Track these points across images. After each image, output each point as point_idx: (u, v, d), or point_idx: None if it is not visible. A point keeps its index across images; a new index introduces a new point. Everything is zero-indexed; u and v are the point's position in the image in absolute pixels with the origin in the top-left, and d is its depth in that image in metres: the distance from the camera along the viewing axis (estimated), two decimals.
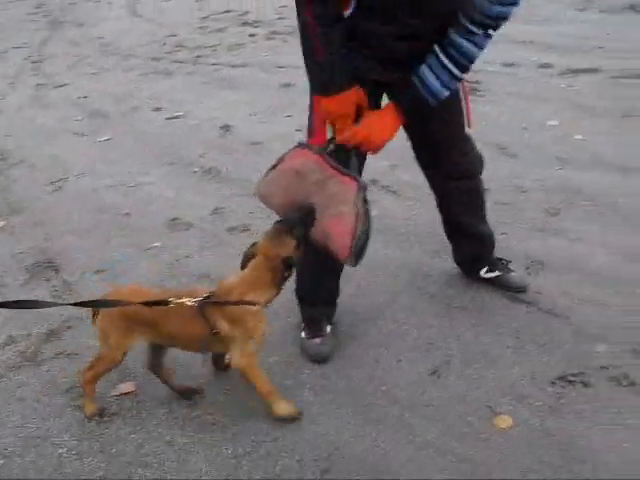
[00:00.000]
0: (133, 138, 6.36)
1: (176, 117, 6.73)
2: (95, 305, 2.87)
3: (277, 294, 2.88)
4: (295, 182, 2.88)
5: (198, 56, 9.03)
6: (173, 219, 4.84)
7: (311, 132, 3.02)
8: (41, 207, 5.16)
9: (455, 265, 3.84)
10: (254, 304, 2.79)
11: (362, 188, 2.77)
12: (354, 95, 2.76)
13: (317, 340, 3.37)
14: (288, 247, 2.79)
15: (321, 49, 2.68)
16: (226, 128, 6.42)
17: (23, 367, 3.47)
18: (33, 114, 6.82)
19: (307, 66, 2.78)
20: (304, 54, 2.76)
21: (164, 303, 2.72)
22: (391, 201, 4.82)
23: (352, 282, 3.80)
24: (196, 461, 2.84)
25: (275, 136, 6.01)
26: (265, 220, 4.55)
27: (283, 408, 2.96)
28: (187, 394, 3.15)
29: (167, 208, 4.99)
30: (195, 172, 5.63)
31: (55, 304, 3.05)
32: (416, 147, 3.31)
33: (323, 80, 2.76)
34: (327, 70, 2.72)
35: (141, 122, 6.74)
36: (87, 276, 4.23)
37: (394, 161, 5.07)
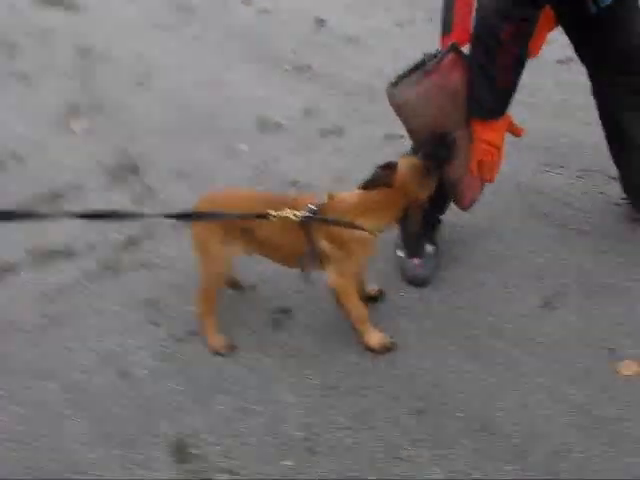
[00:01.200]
0: (221, 33, 5.92)
1: (266, 11, 6.23)
2: (187, 218, 2.59)
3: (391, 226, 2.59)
4: (450, 106, 2.50)
5: None
6: (261, 119, 4.47)
7: (447, 26, 2.53)
8: (125, 106, 4.87)
9: (622, 197, 3.24)
10: (364, 230, 2.48)
11: None
12: (507, 122, 2.54)
13: (416, 261, 3.00)
14: (429, 189, 2.48)
15: (509, 76, 2.39)
16: (320, 22, 5.88)
17: (101, 277, 3.24)
18: (118, 8, 6.45)
19: (477, 85, 2.41)
20: (480, 73, 2.39)
21: (263, 216, 2.41)
22: None
23: None
24: (279, 390, 2.57)
25: (372, 31, 5.47)
26: (360, 123, 4.14)
27: (375, 338, 2.65)
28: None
29: (256, 107, 4.62)
30: (286, 70, 5.20)
31: (147, 215, 2.89)
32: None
33: (493, 107, 2.46)
34: (503, 98, 2.45)
35: (230, 16, 6.26)
36: (170, 181, 3.91)
37: None
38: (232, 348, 2.75)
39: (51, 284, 3.18)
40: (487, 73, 2.38)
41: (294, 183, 3.74)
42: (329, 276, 2.58)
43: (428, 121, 2.51)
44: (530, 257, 3.05)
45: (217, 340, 2.75)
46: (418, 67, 2.52)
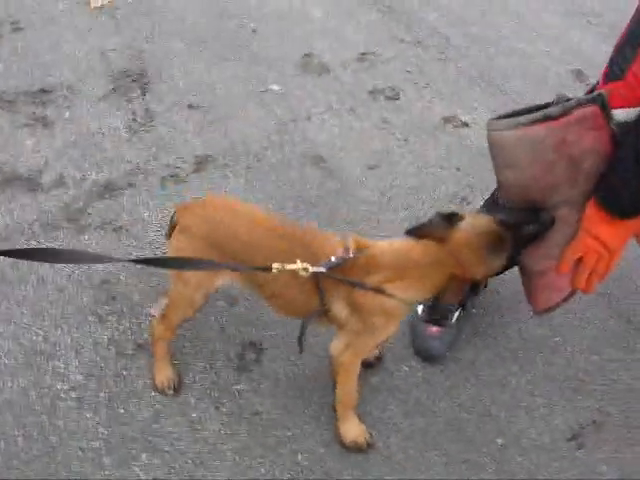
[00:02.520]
0: None
1: None
2: (163, 265, 1.96)
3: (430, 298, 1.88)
4: (564, 173, 1.75)
5: None
6: (306, 55, 3.67)
7: (618, 67, 1.76)
8: None
9: None
10: (396, 299, 1.81)
11: None
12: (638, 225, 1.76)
13: (433, 329, 2.35)
14: (491, 269, 1.80)
15: None
16: None
17: (62, 229, 2.65)
18: None
19: (623, 171, 1.66)
20: (635, 159, 1.62)
21: (266, 269, 1.74)
22: None
23: None
24: (214, 469, 2.02)
25: None
26: (420, 92, 3.37)
27: (353, 432, 2.08)
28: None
29: (304, 35, 3.81)
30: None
31: (103, 259, 2.12)
32: None
33: (633, 206, 1.70)
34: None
35: None
36: (176, 110, 3.23)
37: None
38: (177, 390, 2.19)
39: None
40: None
41: (318, 156, 3.04)
42: (336, 343, 1.96)
43: (525, 180, 1.79)
44: (576, 357, 2.40)
45: (164, 376, 2.18)
46: (539, 108, 1.77)
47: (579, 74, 3.69)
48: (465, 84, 3.60)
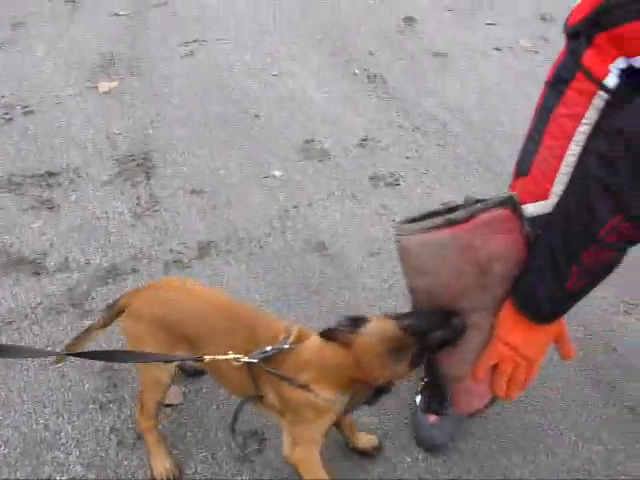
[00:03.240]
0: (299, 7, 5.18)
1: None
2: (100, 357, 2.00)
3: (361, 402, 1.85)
4: (473, 279, 1.65)
5: None
6: (308, 141, 3.76)
7: (523, 165, 1.79)
8: (163, 75, 4.19)
9: None
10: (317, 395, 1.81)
11: None
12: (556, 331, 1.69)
13: (433, 418, 2.36)
14: (395, 373, 1.74)
15: (590, 279, 1.53)
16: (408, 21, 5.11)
17: (65, 314, 2.66)
18: None
19: (539, 273, 1.58)
20: (551, 259, 1.54)
21: (198, 359, 1.82)
22: None
23: None
24: None
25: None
26: (420, 178, 3.45)
27: None
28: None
29: (306, 120, 3.91)
30: (356, 74, 4.45)
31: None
32: None
33: (549, 311, 1.61)
34: (567, 303, 1.60)
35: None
36: (180, 194, 3.29)
37: None
38: (179, 476, 2.17)
39: None
40: (561, 265, 1.53)
41: (318, 247, 3.08)
42: (285, 443, 1.95)
43: (435, 287, 1.70)
44: (579, 448, 2.39)
45: (162, 467, 2.16)
46: (450, 210, 1.66)
47: None
48: (463, 170, 3.68)
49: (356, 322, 1.75)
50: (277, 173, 3.52)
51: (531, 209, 1.66)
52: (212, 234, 3.10)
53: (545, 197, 1.66)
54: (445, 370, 1.82)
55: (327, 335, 1.78)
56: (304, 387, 1.80)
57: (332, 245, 3.10)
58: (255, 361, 1.79)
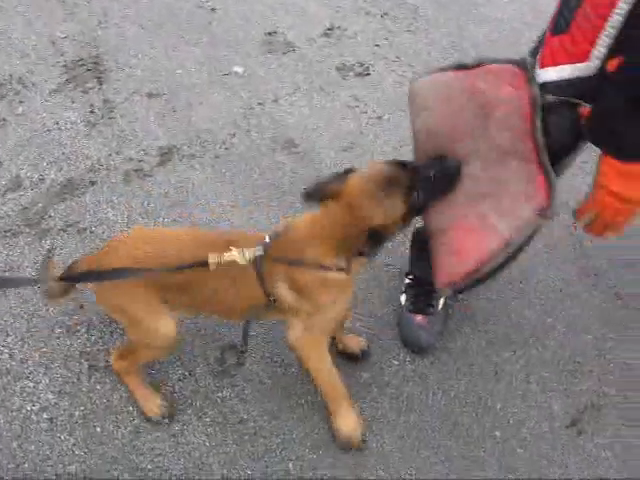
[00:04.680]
0: None
1: None
2: (97, 278, 1.81)
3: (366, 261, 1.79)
4: (473, 118, 1.69)
5: None
6: (270, 33, 3.51)
7: (560, 24, 1.61)
8: None
9: None
10: (331, 268, 1.72)
11: (548, 215, 1.62)
12: None
13: (419, 318, 2.25)
14: (388, 214, 1.65)
15: None
16: None
17: (22, 235, 2.48)
18: None
19: (618, 116, 1.48)
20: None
21: (202, 264, 1.68)
22: None
23: None
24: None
25: None
26: (391, 67, 3.25)
27: (345, 427, 1.98)
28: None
29: (267, 11, 3.64)
30: None
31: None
32: None
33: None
34: None
35: None
36: (136, 99, 3.05)
37: None
38: (172, 415, 2.05)
39: None
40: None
41: (288, 143, 2.90)
42: (292, 331, 1.87)
43: (435, 123, 1.75)
44: (569, 339, 2.32)
45: (152, 404, 2.04)
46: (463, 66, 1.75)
47: None
48: (437, 55, 3.47)
49: (344, 174, 1.70)
50: (239, 69, 3.28)
51: (568, 71, 1.56)
52: (174, 139, 2.90)
53: (584, 59, 1.52)
54: (431, 222, 1.80)
55: (316, 196, 1.69)
56: (314, 264, 1.70)
57: (302, 142, 2.92)
58: (261, 252, 1.70)
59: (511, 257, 1.79)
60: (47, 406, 2.03)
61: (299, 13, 3.68)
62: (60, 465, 1.91)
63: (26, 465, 1.90)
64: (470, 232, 1.68)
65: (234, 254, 1.68)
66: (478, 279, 1.79)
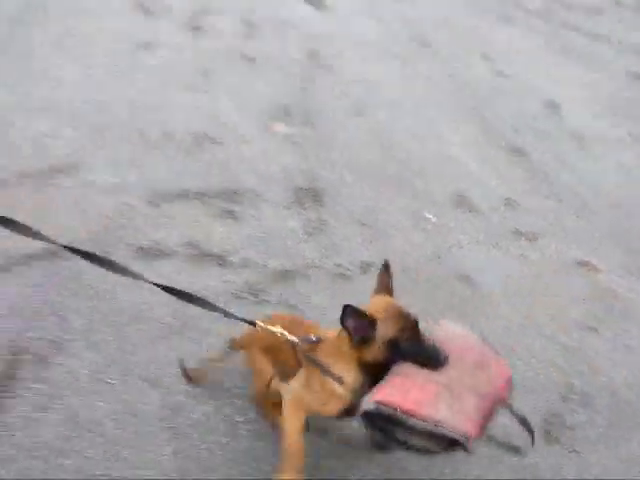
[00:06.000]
0: (450, 85, 5.65)
1: (503, 74, 5.90)
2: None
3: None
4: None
5: None
6: (459, 195, 4.16)
7: None
8: (333, 128, 4.72)
9: None
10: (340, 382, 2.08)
11: (467, 444, 1.83)
12: None
13: None
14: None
15: None
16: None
17: (244, 300, 3.09)
18: (359, 24, 6.30)
19: None
20: None
21: (251, 323, 2.22)
22: None
23: None
24: None
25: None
26: (557, 239, 3.78)
27: None
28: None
29: (458, 179, 4.32)
30: (502, 147, 4.84)
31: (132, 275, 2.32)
32: None
33: None
34: None
35: (464, 70, 5.98)
36: (347, 224, 3.73)
37: None
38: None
39: None
40: None
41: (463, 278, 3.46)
42: (292, 385, 2.24)
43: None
44: None
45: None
46: None
47: None
48: (599, 238, 4.00)
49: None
50: (430, 216, 3.94)
51: None
52: (374, 258, 3.51)
53: None
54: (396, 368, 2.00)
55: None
56: (337, 378, 2.06)
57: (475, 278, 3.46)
58: (296, 340, 2.16)
59: (424, 447, 1.91)
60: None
61: (482, 184, 4.36)
62: None
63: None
64: (422, 388, 1.90)
65: (277, 329, 2.18)
66: (397, 422, 1.87)
